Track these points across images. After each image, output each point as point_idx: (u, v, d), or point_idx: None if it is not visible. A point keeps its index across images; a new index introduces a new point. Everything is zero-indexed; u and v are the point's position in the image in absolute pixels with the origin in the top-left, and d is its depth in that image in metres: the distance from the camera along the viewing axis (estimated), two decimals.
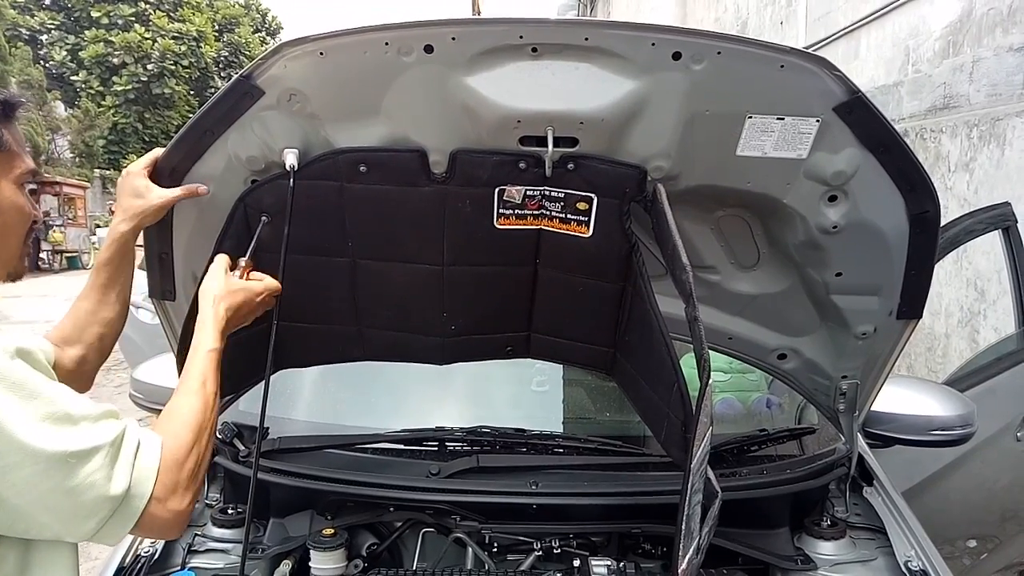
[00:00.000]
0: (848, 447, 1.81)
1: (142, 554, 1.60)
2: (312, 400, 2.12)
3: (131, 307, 1.45)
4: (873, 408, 1.85)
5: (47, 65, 26.81)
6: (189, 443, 1.02)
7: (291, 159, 1.38)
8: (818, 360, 1.74)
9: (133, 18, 27.93)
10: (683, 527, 1.18)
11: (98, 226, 21.78)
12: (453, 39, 1.23)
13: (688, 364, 1.36)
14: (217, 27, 31.47)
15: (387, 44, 1.23)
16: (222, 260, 1.33)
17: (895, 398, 1.98)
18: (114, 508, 0.91)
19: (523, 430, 1.84)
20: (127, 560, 1.59)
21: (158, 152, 1.41)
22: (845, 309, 1.60)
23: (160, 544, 1.62)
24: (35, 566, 0.96)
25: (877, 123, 1.31)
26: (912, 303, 1.55)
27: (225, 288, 1.27)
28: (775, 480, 1.73)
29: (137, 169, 1.37)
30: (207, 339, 1.18)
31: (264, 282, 1.36)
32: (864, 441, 1.94)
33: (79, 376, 1.28)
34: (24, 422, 0.85)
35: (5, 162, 1.04)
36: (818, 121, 1.31)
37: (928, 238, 1.45)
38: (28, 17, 27.61)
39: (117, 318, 1.36)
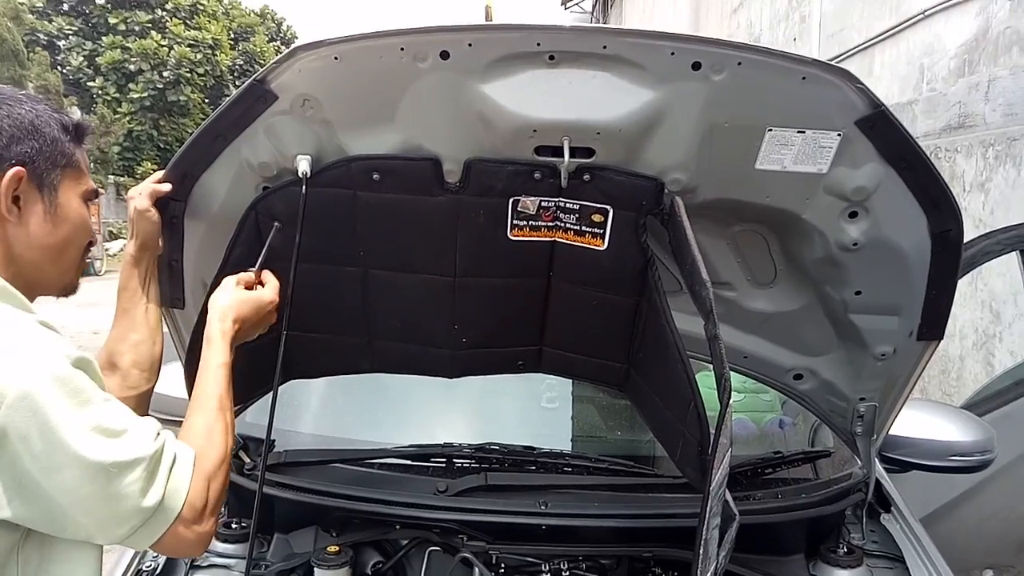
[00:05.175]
0: (865, 472, 1.77)
1: (144, 569, 1.57)
2: (319, 413, 2.09)
3: None
4: (890, 432, 1.80)
5: (64, 71, 27.08)
6: (214, 464, 1.06)
7: (304, 166, 1.36)
8: (835, 381, 1.71)
9: (150, 25, 28.19)
10: (701, 551, 1.14)
11: (112, 233, 21.91)
12: (470, 45, 1.21)
13: (704, 383, 1.33)
14: (233, 35, 31.74)
15: (403, 50, 1.21)
16: (233, 277, 1.32)
17: (913, 422, 1.94)
18: (146, 518, 0.96)
19: (532, 448, 1.81)
20: (129, 575, 1.56)
21: (158, 175, 1.40)
22: (864, 329, 1.56)
23: (162, 559, 1.59)
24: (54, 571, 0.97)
25: (900, 138, 1.28)
26: (933, 324, 1.51)
27: (234, 299, 1.26)
28: (790, 504, 1.69)
29: (135, 193, 1.38)
30: (217, 353, 1.19)
31: (273, 287, 1.34)
32: (881, 466, 1.90)
33: (127, 402, 1.27)
34: (76, 428, 0.90)
35: (75, 178, 1.12)
36: (839, 135, 1.29)
37: (950, 257, 1.42)
38: (46, 22, 27.90)
39: (145, 340, 1.36)
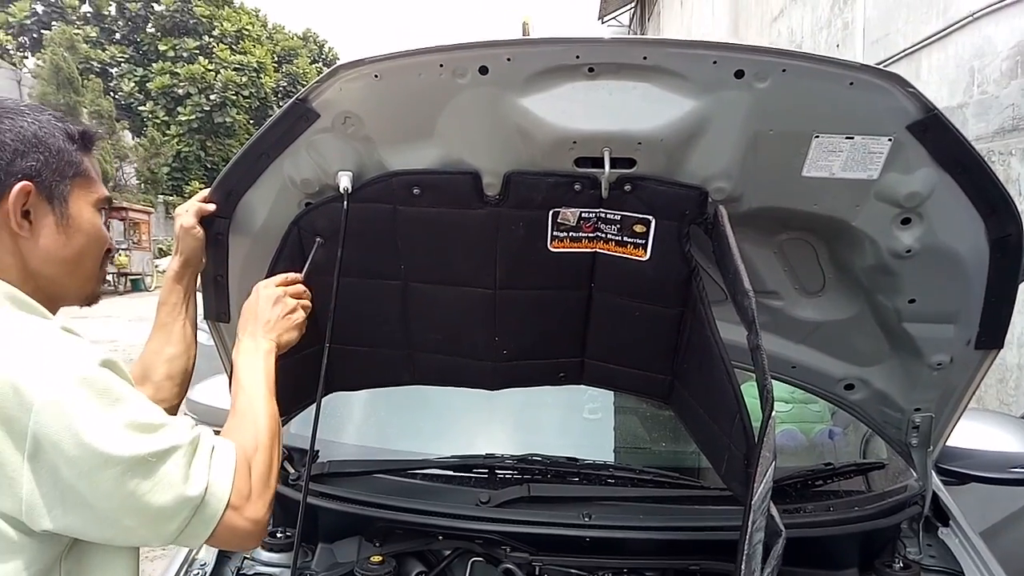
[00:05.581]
0: (921, 484, 1.71)
1: None
2: (362, 424, 2.11)
3: None
4: (947, 443, 1.74)
5: (116, 96, 28.07)
6: (257, 446, 1.07)
7: (345, 182, 1.37)
8: (889, 391, 1.65)
9: (197, 51, 29.10)
10: (743, 567, 1.11)
11: (161, 250, 22.58)
12: (508, 60, 1.21)
13: (749, 393, 1.30)
14: (276, 58, 32.58)
15: (442, 66, 1.22)
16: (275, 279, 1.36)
17: (970, 432, 1.88)
18: (194, 509, 0.94)
19: (575, 459, 1.79)
20: None
21: (204, 194, 1.44)
22: (918, 338, 1.51)
23: (209, 569, 1.62)
24: None
25: (955, 142, 1.25)
26: (992, 332, 1.46)
27: (274, 294, 1.31)
28: (843, 518, 1.64)
29: (181, 211, 1.41)
30: (259, 342, 1.24)
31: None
32: (938, 478, 1.83)
33: None
34: (105, 428, 0.88)
35: (85, 186, 1.09)
36: (890, 140, 1.25)
37: (1011, 263, 1.37)
38: (100, 51, 29.00)
39: (180, 355, 1.38)
